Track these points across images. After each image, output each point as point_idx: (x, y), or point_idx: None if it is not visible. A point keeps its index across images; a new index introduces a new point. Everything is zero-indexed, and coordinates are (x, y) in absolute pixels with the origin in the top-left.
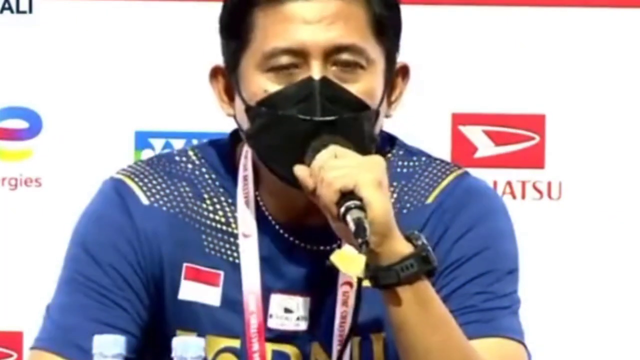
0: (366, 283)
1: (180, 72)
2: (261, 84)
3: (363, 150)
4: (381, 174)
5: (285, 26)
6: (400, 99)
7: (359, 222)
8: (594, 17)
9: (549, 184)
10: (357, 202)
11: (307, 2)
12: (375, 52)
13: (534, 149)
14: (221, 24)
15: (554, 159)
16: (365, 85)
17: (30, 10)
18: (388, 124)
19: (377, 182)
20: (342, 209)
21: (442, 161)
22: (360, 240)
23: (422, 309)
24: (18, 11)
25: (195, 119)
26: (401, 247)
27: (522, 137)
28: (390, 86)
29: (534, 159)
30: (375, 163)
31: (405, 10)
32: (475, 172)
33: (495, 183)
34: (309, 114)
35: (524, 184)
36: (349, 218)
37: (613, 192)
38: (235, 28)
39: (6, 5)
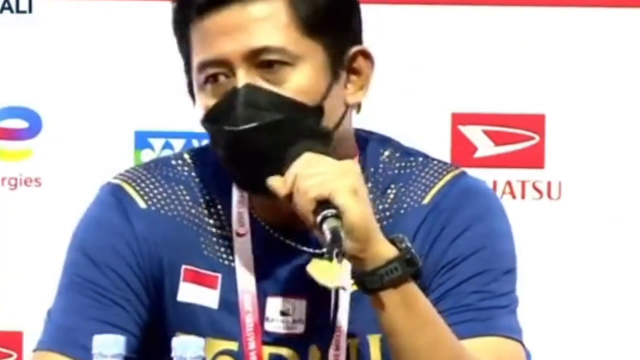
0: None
1: (180, 72)
2: (203, 100)
3: (307, 148)
4: (356, 179)
5: (208, 40)
6: (368, 84)
7: (334, 232)
8: (594, 17)
9: (549, 184)
10: (334, 211)
11: (225, 13)
12: (303, 48)
13: (534, 149)
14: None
15: (554, 159)
16: (297, 83)
17: (30, 10)
18: (388, 124)
19: (352, 189)
20: (319, 218)
21: (440, 161)
22: (336, 251)
23: (409, 312)
24: (18, 11)
25: (195, 119)
26: (385, 251)
27: (522, 137)
28: (347, 75)
29: (534, 159)
30: (350, 169)
31: (406, 11)
32: (475, 172)
33: (495, 183)
34: (233, 125)
35: (524, 184)
36: (325, 227)
37: (613, 192)
38: (180, 46)
39: (6, 5)
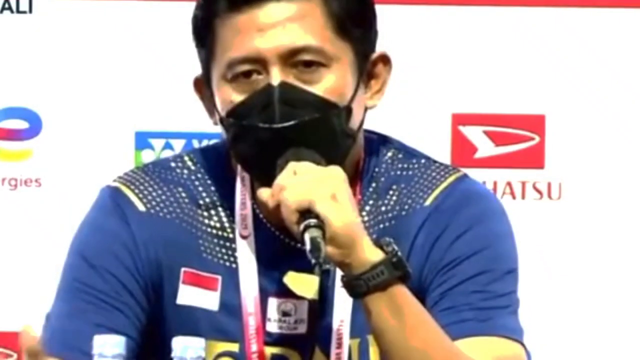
0: None
1: (180, 72)
2: (227, 95)
3: (336, 147)
4: (336, 186)
5: (241, 36)
6: (385, 88)
7: (313, 242)
8: (594, 17)
9: (549, 184)
10: (314, 220)
11: (259, 9)
12: (337, 49)
13: (534, 149)
14: (193, 34)
15: (554, 159)
16: (330, 83)
17: (30, 10)
18: (388, 123)
19: (331, 196)
20: (301, 228)
21: (441, 164)
22: (314, 261)
23: (398, 315)
24: (18, 11)
25: (195, 119)
26: (370, 255)
27: (522, 137)
28: (367, 78)
29: (534, 159)
30: (330, 176)
31: (406, 11)
32: (475, 172)
33: (495, 183)
34: (269, 122)
35: (524, 184)
36: (306, 237)
37: (613, 192)
38: (202, 38)
39: (6, 5)
